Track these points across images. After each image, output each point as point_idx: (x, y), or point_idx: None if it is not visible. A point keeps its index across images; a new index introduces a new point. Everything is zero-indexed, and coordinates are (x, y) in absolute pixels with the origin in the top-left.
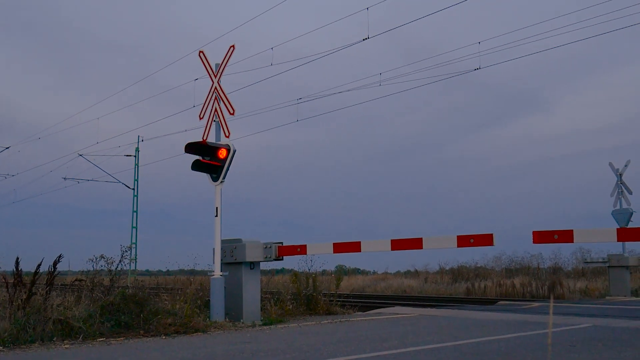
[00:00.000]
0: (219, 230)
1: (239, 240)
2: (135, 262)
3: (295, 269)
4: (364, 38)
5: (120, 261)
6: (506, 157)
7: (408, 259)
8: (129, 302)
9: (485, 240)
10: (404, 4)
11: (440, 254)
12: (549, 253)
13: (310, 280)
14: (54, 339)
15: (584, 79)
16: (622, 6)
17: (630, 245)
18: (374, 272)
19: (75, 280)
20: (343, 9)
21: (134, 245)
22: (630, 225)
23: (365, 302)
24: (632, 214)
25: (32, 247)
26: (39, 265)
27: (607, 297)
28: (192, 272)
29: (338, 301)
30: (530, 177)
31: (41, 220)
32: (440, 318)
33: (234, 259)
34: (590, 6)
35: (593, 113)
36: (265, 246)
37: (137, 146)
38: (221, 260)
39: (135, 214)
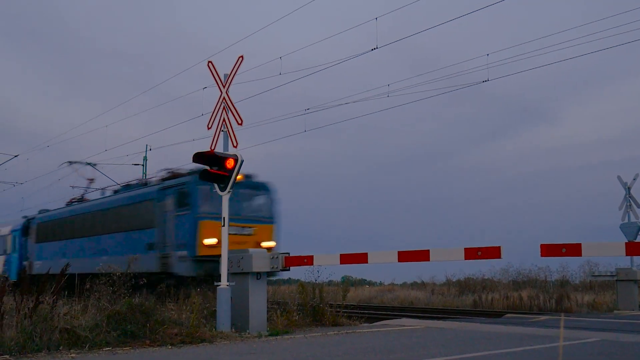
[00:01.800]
0: (226, 240)
1: (245, 251)
2: None
3: (302, 279)
4: (373, 48)
5: (127, 269)
6: (514, 168)
7: (415, 270)
8: (136, 312)
9: (493, 252)
10: (413, 14)
11: (447, 265)
12: (556, 266)
13: (317, 291)
14: (61, 348)
15: (591, 91)
16: (630, 20)
17: (638, 259)
18: (381, 283)
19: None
20: (352, 20)
21: None
22: (638, 239)
23: (372, 313)
24: None
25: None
26: (47, 273)
27: (615, 311)
28: None
29: (344, 312)
30: (537, 189)
31: None
32: (447, 330)
33: (241, 269)
34: (598, 19)
35: (601, 125)
36: (271, 256)
37: (145, 155)
38: (228, 270)
39: None
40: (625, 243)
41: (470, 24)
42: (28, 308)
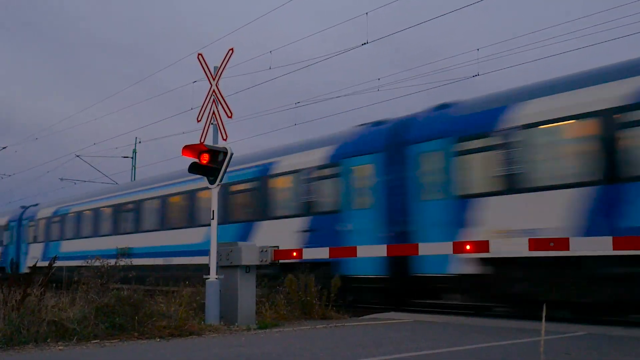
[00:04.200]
0: (215, 233)
1: (235, 244)
2: (131, 263)
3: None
4: (363, 43)
5: (115, 262)
6: None
7: None
8: (124, 304)
9: (482, 247)
10: (403, 9)
11: None
12: None
13: (306, 284)
14: (48, 340)
15: None
16: (620, 15)
17: None
18: None
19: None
20: (342, 14)
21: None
22: None
23: (361, 306)
24: None
25: None
26: (34, 265)
27: None
28: None
29: (333, 306)
30: None
31: None
32: (436, 324)
33: (230, 262)
34: (588, 15)
35: None
36: (261, 250)
37: (134, 148)
38: (217, 263)
39: None
40: (613, 238)
41: (460, 19)
42: (16, 300)
